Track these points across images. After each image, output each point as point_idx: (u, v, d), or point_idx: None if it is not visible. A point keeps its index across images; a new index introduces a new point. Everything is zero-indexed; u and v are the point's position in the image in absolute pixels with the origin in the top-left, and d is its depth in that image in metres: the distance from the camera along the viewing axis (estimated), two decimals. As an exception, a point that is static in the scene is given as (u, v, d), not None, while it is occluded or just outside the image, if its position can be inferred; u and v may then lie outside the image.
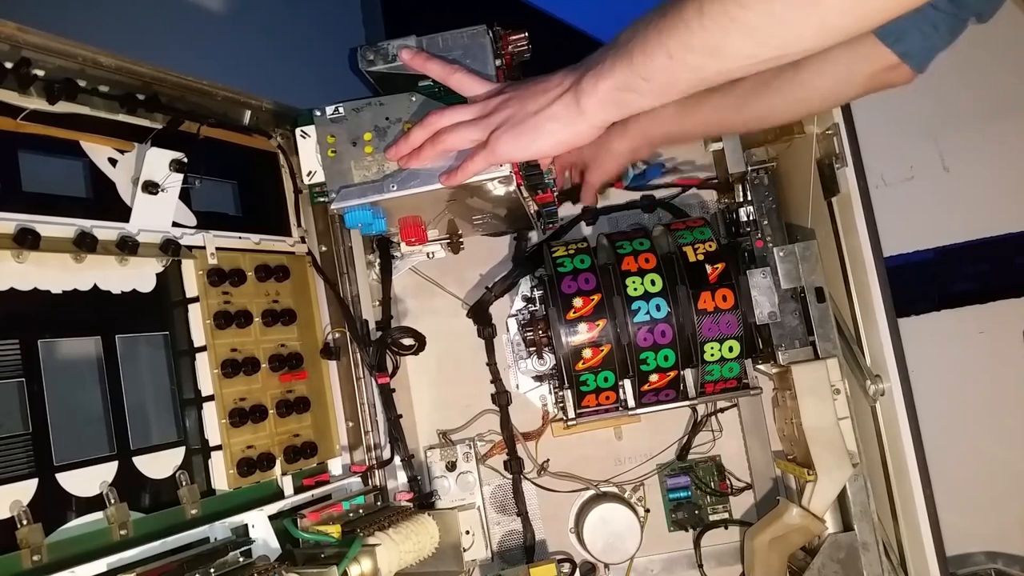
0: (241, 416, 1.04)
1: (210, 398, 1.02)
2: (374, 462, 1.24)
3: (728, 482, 1.35)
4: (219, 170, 1.13)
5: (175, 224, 1.02)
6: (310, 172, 1.00)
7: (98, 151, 0.94)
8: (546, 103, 0.89)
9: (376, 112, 1.00)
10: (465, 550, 1.22)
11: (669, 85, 0.80)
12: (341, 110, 1.00)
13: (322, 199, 1.00)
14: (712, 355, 1.16)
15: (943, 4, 0.89)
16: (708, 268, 1.17)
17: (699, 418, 1.34)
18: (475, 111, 0.94)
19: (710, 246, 1.19)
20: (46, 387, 0.84)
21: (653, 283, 1.17)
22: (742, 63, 0.75)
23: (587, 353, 1.16)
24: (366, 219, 1.00)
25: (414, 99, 1.00)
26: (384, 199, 0.98)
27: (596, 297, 1.17)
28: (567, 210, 1.37)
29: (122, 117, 0.97)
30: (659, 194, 1.37)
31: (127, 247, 0.94)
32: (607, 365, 1.17)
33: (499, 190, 1.00)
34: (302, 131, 1.00)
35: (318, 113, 1.00)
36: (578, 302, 1.17)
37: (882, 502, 1.18)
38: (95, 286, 0.92)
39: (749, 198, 1.24)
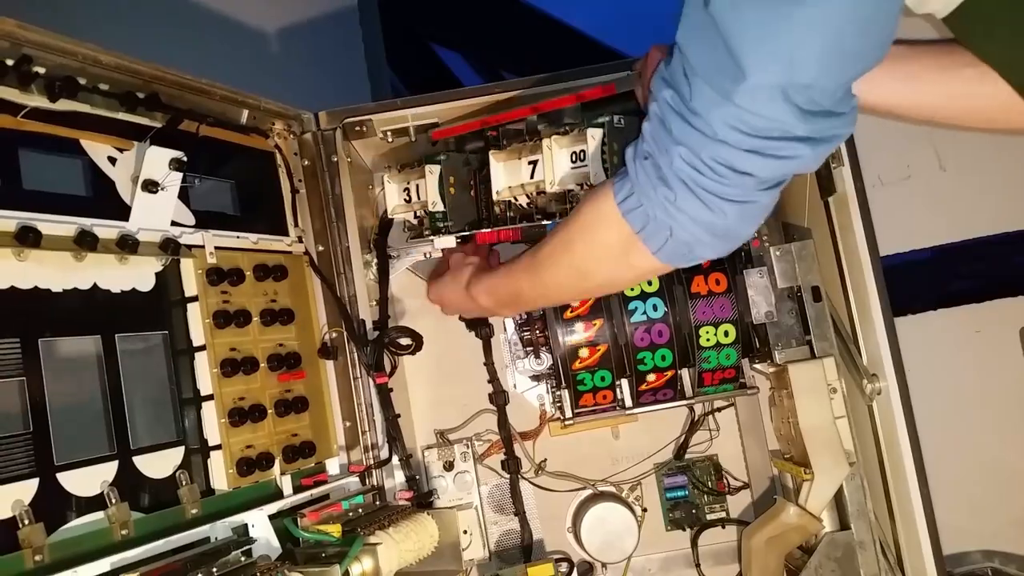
0: (240, 415, 1.04)
1: (209, 397, 1.02)
2: (372, 462, 1.24)
3: (725, 481, 1.36)
4: (217, 169, 1.13)
5: (174, 223, 1.02)
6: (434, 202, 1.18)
7: (98, 149, 0.94)
8: None
9: None
10: (463, 549, 1.22)
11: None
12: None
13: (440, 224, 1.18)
14: (708, 340, 1.17)
15: None
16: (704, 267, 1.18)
17: (696, 417, 1.35)
18: None
19: (708, 246, 1.19)
20: (46, 386, 0.83)
21: (650, 283, 1.18)
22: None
23: (584, 352, 1.17)
24: None
25: None
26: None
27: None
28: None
29: (122, 115, 0.97)
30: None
31: (127, 246, 0.94)
32: (604, 364, 1.17)
33: None
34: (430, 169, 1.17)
35: (443, 157, 1.17)
36: (575, 302, 1.17)
37: (879, 501, 1.18)
38: (95, 285, 0.92)
39: (746, 198, 1.24)
